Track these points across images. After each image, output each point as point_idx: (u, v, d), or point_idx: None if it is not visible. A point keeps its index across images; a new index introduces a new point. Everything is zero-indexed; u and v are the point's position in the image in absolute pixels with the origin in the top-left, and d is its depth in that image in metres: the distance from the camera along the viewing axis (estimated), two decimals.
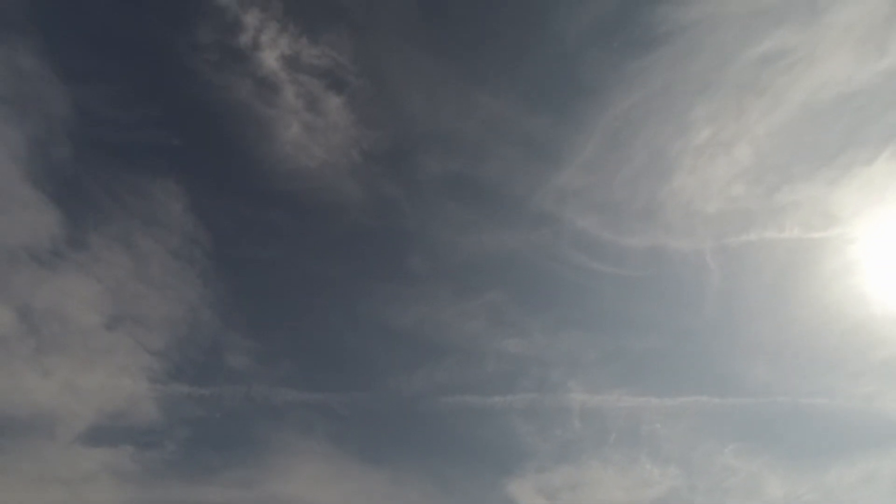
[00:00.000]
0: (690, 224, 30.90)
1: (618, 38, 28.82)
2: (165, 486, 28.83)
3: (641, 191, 30.67)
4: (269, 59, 28.64)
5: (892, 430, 30.69)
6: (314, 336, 31.62)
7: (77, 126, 28.26)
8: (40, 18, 27.44)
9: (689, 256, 30.86)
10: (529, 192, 30.91)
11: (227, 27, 28.06)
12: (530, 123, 30.45)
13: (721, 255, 30.81)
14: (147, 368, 29.45)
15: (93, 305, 29.04)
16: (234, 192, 30.62)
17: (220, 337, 30.20)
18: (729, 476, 30.79)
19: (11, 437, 27.47)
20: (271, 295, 31.46)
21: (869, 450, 30.70)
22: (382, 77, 29.92)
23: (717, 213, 30.67)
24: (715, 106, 29.83)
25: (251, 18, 28.09)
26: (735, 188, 30.55)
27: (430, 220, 31.40)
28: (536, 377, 31.38)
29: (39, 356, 28.03)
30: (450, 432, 31.48)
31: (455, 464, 31.15)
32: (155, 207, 29.62)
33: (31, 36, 27.35)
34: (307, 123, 29.67)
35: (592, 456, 30.86)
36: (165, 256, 29.86)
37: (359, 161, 30.35)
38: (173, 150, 29.35)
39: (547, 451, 30.85)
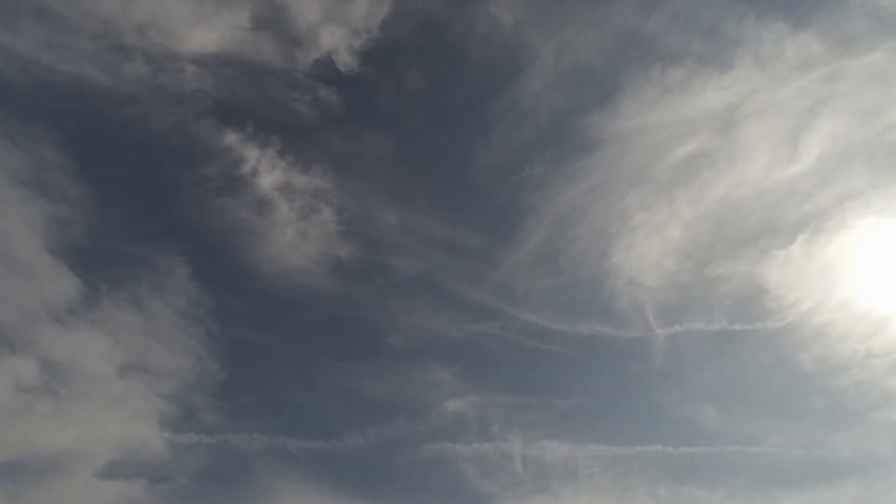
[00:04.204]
0: (631, 296, 34.73)
1: (556, 144, 33.67)
2: None
3: (582, 276, 35.10)
4: (266, 184, 34.44)
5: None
6: (304, 395, 35.68)
7: (92, 209, 32.66)
8: (67, 142, 32.13)
9: (632, 335, 34.91)
10: (479, 290, 36.11)
11: (232, 162, 34.09)
12: (481, 236, 36.42)
13: (660, 330, 34.64)
14: (157, 411, 32.65)
15: (106, 357, 32.30)
16: (235, 288, 35.65)
17: (225, 389, 33.86)
18: None
19: (36, 474, 30.26)
20: (266, 361, 35.76)
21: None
22: (360, 198, 35.81)
23: (655, 287, 34.63)
24: (647, 195, 34.02)
25: (251, 152, 33.95)
26: (669, 263, 34.47)
27: (397, 311, 36.35)
28: (501, 431, 35.27)
29: (59, 402, 31.07)
30: (433, 474, 34.82)
31: (438, 499, 34.71)
32: (162, 277, 33.67)
33: (56, 145, 31.79)
34: (298, 231, 35.11)
35: (566, 486, 34.14)
36: (172, 316, 33.56)
37: (341, 262, 35.60)
38: (182, 253, 34.29)
39: (526, 486, 34.37)
